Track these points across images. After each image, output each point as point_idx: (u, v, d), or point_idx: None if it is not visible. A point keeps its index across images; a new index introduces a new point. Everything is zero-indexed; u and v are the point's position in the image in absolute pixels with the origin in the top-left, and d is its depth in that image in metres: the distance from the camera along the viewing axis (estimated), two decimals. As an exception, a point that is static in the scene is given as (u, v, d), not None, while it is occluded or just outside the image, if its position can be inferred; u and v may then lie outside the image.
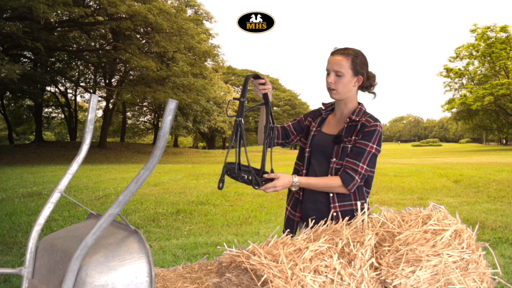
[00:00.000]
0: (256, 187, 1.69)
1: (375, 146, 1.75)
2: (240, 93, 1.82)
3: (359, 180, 1.74)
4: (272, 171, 1.77)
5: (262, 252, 1.37)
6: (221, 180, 1.72)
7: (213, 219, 5.54)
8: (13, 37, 17.14)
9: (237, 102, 1.76)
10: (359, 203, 1.73)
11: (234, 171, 1.73)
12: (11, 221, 5.23)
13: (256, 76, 1.81)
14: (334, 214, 1.78)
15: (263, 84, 1.80)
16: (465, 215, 5.60)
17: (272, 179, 1.72)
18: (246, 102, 1.78)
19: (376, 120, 1.78)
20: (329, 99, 1.90)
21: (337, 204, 1.79)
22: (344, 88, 1.80)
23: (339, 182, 1.74)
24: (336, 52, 1.81)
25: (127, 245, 1.16)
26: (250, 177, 1.70)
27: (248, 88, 1.78)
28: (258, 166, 1.77)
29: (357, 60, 1.78)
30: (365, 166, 1.73)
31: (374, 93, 1.91)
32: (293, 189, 1.78)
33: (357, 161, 1.73)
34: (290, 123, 2.02)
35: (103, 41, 24.86)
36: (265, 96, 1.81)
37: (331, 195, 1.79)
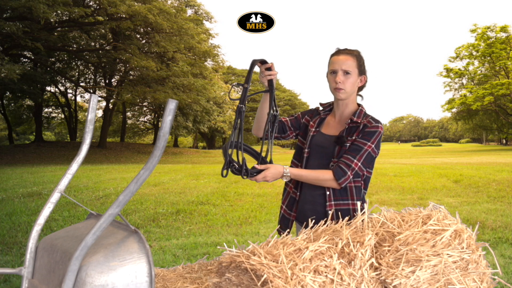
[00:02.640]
0: (245, 177, 1.68)
1: (373, 146, 1.74)
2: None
3: (351, 176, 1.72)
4: (271, 161, 1.77)
5: (262, 252, 1.37)
6: (225, 168, 1.68)
7: (213, 219, 5.54)
8: (13, 37, 17.14)
9: (239, 89, 1.73)
10: (358, 203, 1.73)
11: (231, 161, 1.72)
12: (11, 221, 5.23)
13: (263, 61, 1.77)
14: (330, 212, 1.77)
15: (269, 69, 1.78)
16: (465, 215, 5.60)
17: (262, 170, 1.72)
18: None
19: (377, 121, 1.78)
20: (327, 99, 1.89)
21: (333, 203, 1.78)
22: (352, 87, 1.79)
23: (331, 175, 1.72)
24: (341, 52, 1.81)
25: (127, 245, 1.16)
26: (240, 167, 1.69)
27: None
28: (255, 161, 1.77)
29: (361, 60, 1.79)
30: (359, 164, 1.72)
31: (361, 95, 1.91)
32: (284, 179, 1.76)
33: (352, 157, 1.72)
34: (287, 118, 2.00)
35: (103, 41, 24.86)
36: (270, 82, 1.78)
37: (328, 193, 1.79)
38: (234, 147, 1.70)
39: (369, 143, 1.73)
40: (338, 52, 1.81)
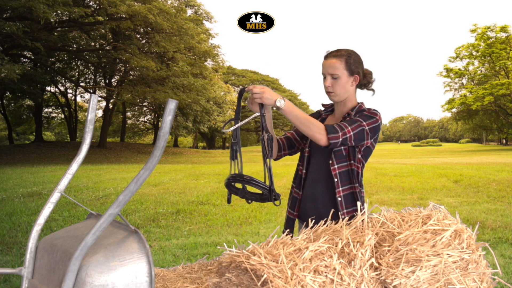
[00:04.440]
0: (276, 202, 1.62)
1: (368, 126, 1.72)
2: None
3: (340, 139, 1.65)
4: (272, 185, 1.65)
5: (262, 252, 1.37)
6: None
7: (213, 219, 5.54)
8: (13, 37, 17.15)
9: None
10: (359, 204, 1.73)
11: (245, 191, 1.68)
12: (11, 221, 5.23)
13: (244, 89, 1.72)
14: (339, 199, 1.76)
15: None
16: (465, 215, 5.60)
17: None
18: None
19: (376, 110, 1.79)
20: (329, 100, 1.90)
21: (340, 189, 1.77)
22: (342, 89, 1.80)
23: (322, 126, 1.65)
24: (329, 55, 1.82)
25: (127, 245, 1.16)
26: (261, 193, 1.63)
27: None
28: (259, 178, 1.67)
29: (350, 60, 1.79)
30: (351, 132, 1.68)
31: (373, 89, 1.91)
32: (278, 104, 1.60)
33: (346, 124, 1.69)
34: (292, 131, 1.99)
35: (103, 41, 24.86)
36: (261, 105, 1.69)
37: (336, 180, 1.77)
38: (239, 181, 1.65)
39: (364, 122, 1.71)
40: (327, 55, 1.82)
